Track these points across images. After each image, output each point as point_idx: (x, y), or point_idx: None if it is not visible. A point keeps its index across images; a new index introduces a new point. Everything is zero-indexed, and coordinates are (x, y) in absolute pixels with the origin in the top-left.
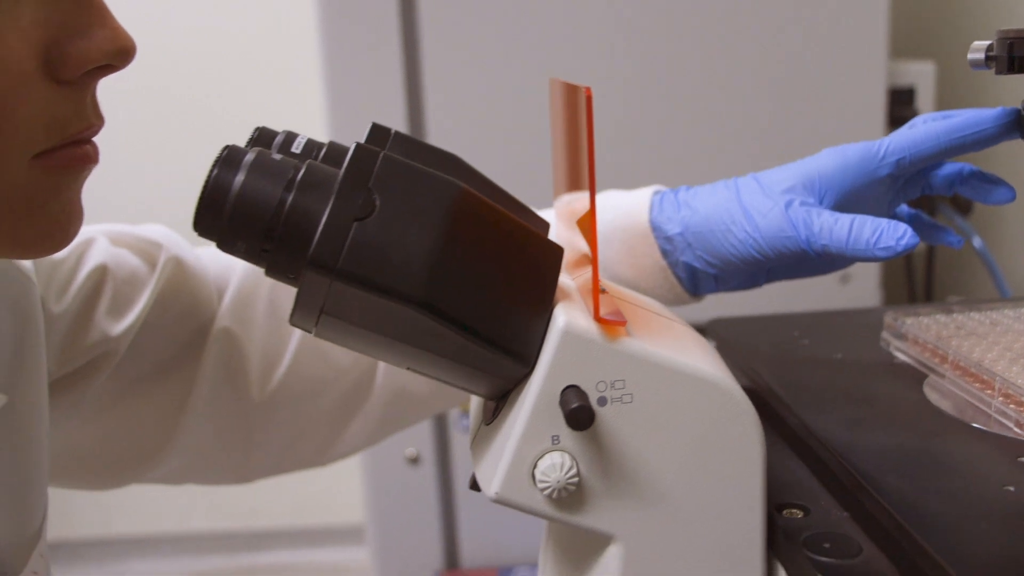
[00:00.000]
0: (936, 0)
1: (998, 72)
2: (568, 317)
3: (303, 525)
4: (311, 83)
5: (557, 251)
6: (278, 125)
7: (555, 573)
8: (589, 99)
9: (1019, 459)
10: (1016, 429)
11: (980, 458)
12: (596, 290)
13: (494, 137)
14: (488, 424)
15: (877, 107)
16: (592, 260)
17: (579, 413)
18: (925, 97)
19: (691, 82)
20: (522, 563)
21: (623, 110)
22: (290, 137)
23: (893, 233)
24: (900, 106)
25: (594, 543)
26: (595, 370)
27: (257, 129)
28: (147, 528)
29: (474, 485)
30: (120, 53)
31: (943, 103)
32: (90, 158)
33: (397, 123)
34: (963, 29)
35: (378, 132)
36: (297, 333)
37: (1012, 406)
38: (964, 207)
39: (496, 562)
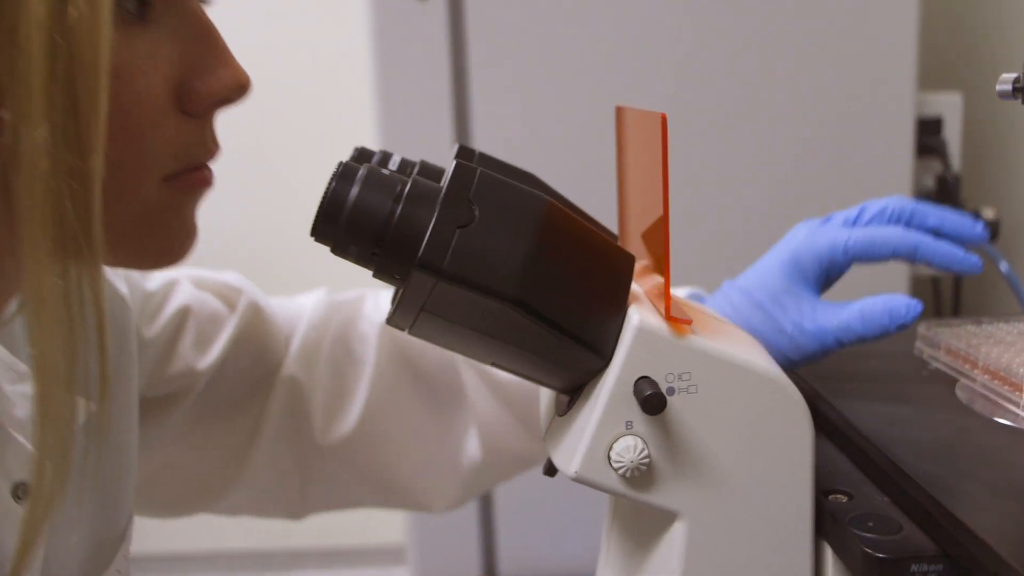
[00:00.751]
0: (963, 35)
1: None
2: (641, 316)
3: (338, 545)
4: (356, 103)
5: (630, 258)
6: (324, 144)
7: (620, 552)
8: (664, 124)
9: None
10: None
11: (1010, 449)
12: (668, 292)
13: (538, 158)
14: (562, 416)
15: (906, 136)
16: (664, 266)
17: (653, 399)
18: (952, 126)
19: (729, 108)
20: (558, 574)
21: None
22: (386, 156)
23: (902, 310)
24: (928, 135)
25: (660, 521)
26: (665, 363)
27: (357, 149)
28: (181, 546)
29: (549, 471)
30: (240, 89)
31: (969, 131)
32: (208, 181)
33: (447, 141)
34: (989, 63)
35: (464, 152)
36: (363, 388)
37: None
38: (992, 230)
39: (533, 572)
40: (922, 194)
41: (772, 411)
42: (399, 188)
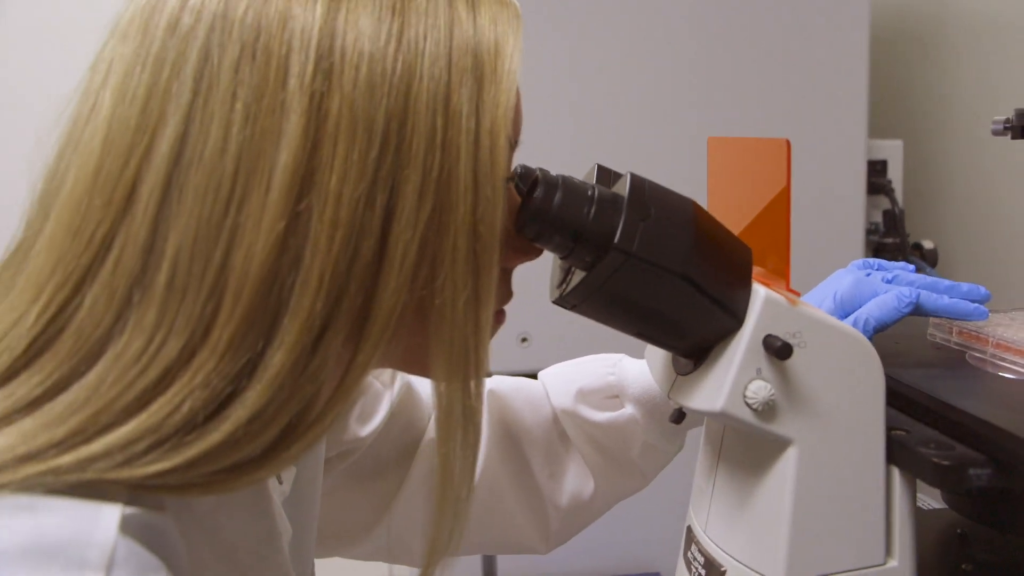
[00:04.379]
0: (902, 89)
1: (1013, 137)
2: (766, 289)
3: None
4: None
5: (749, 248)
6: None
7: (729, 486)
8: (788, 147)
9: None
10: None
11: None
12: (788, 272)
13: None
14: (686, 375)
15: (859, 176)
16: (785, 253)
17: (784, 348)
18: (895, 167)
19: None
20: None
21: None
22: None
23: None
24: (876, 175)
25: (773, 448)
26: (784, 324)
27: (520, 166)
28: None
29: (677, 419)
30: (536, 251)
31: (908, 172)
32: (504, 320)
33: None
34: (923, 113)
35: (603, 169)
36: (481, 451)
37: None
38: (931, 259)
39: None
40: (872, 227)
41: (857, 361)
42: (590, 192)
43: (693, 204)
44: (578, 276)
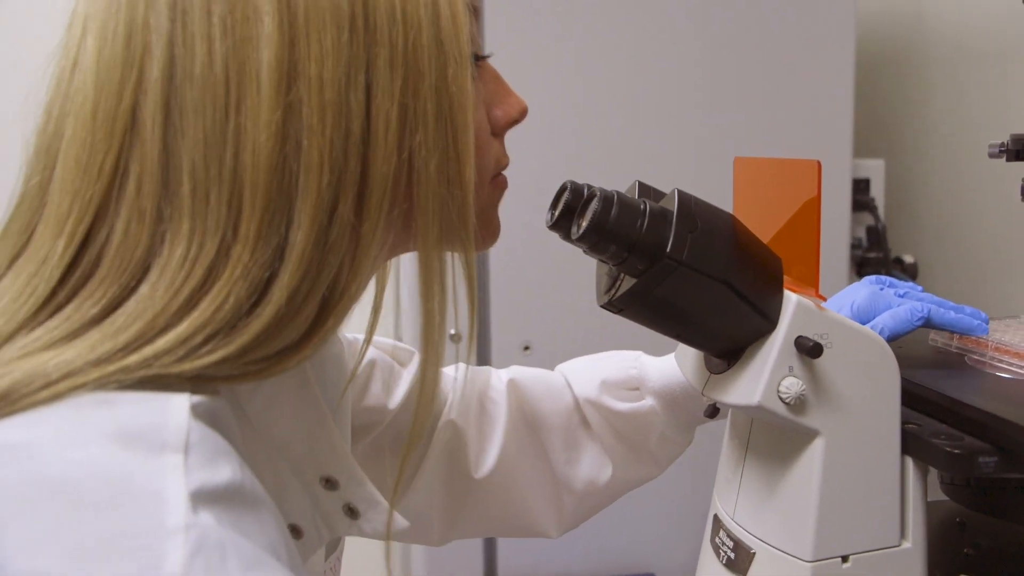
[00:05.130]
0: (885, 112)
1: (1008, 160)
2: (797, 295)
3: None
4: None
5: (780, 257)
6: None
7: (758, 475)
8: (819, 168)
9: None
10: None
11: (1021, 387)
12: (817, 280)
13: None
14: (719, 374)
15: (844, 194)
16: (814, 262)
17: (815, 348)
18: (877, 185)
19: (700, 173)
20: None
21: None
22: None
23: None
24: (860, 192)
25: (802, 440)
26: (813, 326)
27: (569, 182)
28: None
29: (711, 414)
30: (523, 112)
31: (890, 190)
32: (506, 183)
33: None
34: (901, 134)
35: (643, 185)
36: (498, 435)
37: None
38: (912, 273)
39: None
40: (856, 242)
41: (877, 361)
42: (641, 207)
43: (733, 217)
44: (627, 283)
